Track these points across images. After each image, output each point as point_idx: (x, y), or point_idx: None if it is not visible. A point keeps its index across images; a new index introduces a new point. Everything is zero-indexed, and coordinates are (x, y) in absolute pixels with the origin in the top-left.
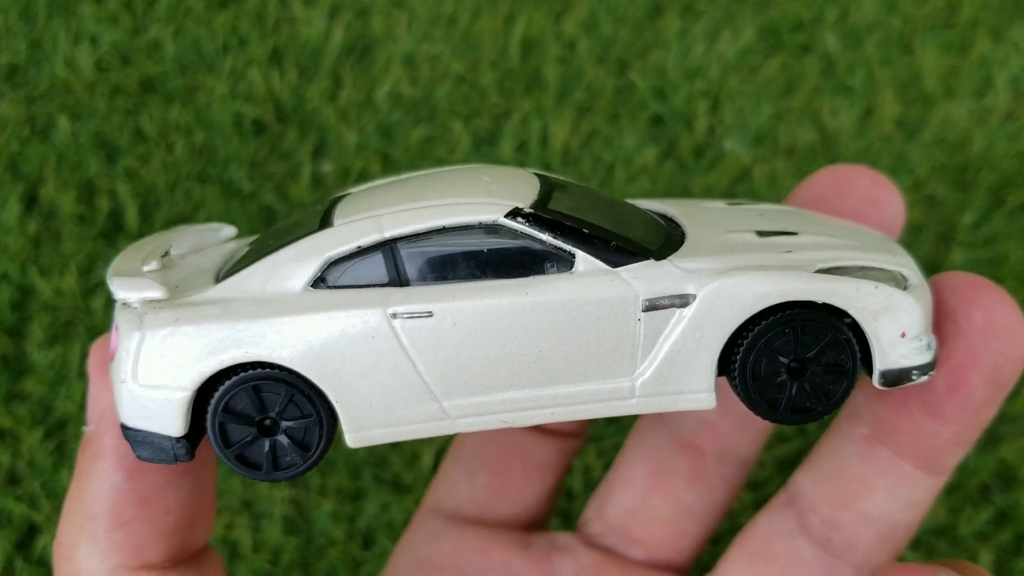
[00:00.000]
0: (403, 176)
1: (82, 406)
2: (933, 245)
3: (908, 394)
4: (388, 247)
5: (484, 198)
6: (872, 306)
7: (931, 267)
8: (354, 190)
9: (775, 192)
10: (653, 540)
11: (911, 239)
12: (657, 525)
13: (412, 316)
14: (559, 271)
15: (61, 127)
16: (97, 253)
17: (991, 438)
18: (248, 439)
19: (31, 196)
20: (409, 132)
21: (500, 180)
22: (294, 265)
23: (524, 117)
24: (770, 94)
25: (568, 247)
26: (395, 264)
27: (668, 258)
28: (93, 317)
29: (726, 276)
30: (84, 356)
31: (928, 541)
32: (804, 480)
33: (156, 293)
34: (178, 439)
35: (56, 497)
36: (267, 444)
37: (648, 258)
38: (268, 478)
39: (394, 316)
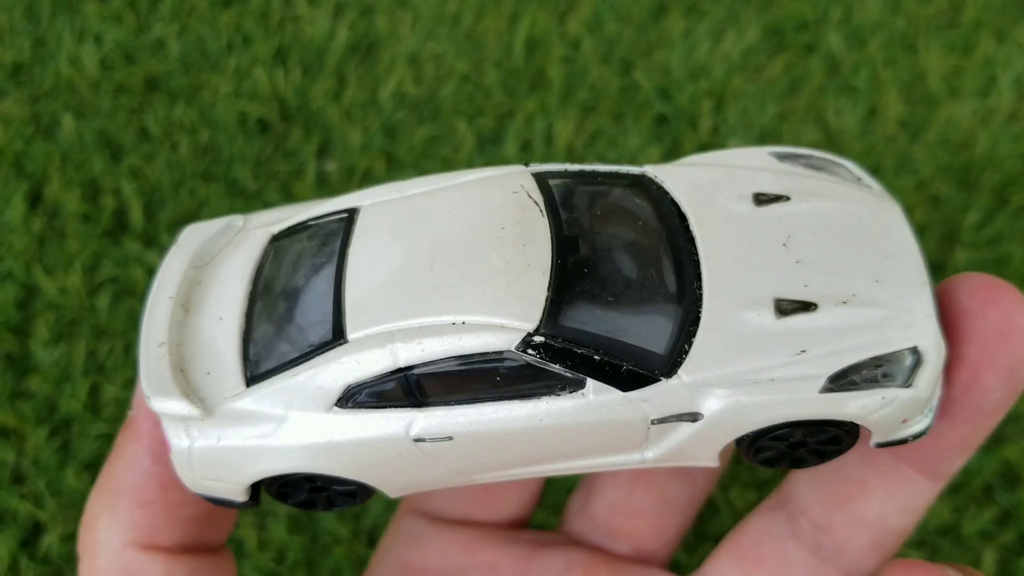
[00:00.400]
0: (411, 196)
1: (87, 405)
2: (937, 245)
3: None
4: (403, 373)
5: (495, 317)
6: (879, 417)
7: (935, 267)
8: (366, 203)
9: None
10: (637, 532)
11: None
12: (641, 517)
13: (434, 440)
14: (571, 392)
15: (65, 125)
16: (102, 251)
17: (995, 439)
18: (303, 498)
19: (36, 195)
20: (413, 131)
21: (511, 264)
22: (318, 391)
23: (528, 116)
24: (774, 94)
25: (580, 376)
26: (412, 386)
27: (678, 372)
28: (98, 316)
29: (735, 396)
30: (89, 355)
31: (932, 540)
32: (800, 481)
33: (194, 412)
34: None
35: (61, 495)
36: (320, 498)
37: (658, 380)
38: (323, 511)
39: (417, 440)
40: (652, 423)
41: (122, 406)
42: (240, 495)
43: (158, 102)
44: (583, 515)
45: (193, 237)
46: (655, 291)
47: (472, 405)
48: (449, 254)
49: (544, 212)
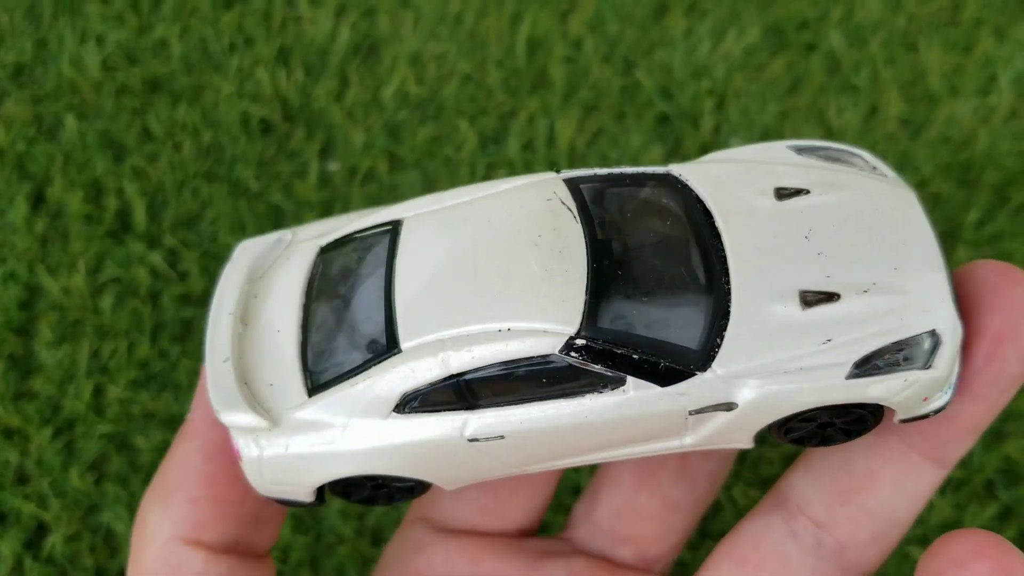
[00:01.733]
0: (450, 207)
1: (90, 405)
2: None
3: None
4: (455, 379)
5: (538, 322)
6: (902, 398)
7: None
8: (408, 215)
9: None
10: (641, 537)
11: None
12: (645, 521)
13: (487, 439)
14: (612, 389)
15: (68, 126)
16: (105, 252)
17: (997, 435)
18: (365, 495)
19: (38, 195)
20: (416, 131)
21: (550, 270)
22: (376, 399)
23: (530, 116)
24: (776, 93)
25: (620, 374)
26: (464, 391)
27: (712, 366)
28: (101, 316)
29: (767, 385)
30: (92, 355)
31: (934, 537)
32: (799, 479)
33: (262, 424)
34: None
35: (65, 496)
36: (380, 494)
37: (694, 374)
38: (384, 505)
39: (471, 440)
40: (689, 414)
41: (125, 406)
42: (307, 496)
43: (160, 103)
44: (588, 521)
45: (246, 253)
46: (686, 288)
47: (521, 405)
48: (491, 262)
49: (577, 217)
